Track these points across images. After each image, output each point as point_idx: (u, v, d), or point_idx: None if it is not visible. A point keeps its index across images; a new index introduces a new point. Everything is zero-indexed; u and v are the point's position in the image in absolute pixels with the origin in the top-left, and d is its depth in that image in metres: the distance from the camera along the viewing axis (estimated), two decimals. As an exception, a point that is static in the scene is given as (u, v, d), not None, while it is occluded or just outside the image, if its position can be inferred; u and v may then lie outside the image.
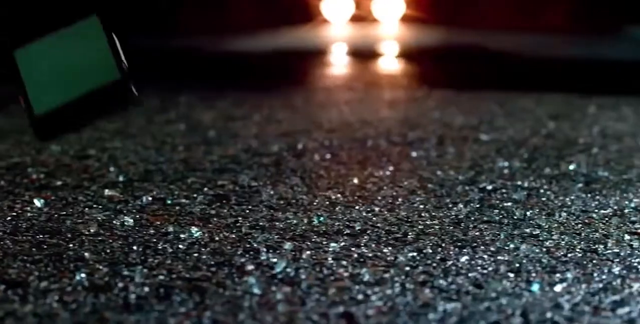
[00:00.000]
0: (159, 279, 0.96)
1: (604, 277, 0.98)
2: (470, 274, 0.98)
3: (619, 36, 4.31)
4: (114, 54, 1.23)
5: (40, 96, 1.23)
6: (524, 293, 0.93)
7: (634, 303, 0.90)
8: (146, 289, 0.93)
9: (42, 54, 1.23)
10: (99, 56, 1.23)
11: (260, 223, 1.18)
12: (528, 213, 1.23)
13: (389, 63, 3.51)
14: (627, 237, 1.13)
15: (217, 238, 1.11)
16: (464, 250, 1.07)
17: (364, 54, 3.72)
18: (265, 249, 1.07)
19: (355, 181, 1.40)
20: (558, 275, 0.98)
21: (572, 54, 3.60)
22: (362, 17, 4.91)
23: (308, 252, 1.05)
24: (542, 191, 1.36)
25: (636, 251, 1.07)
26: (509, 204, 1.28)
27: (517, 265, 1.01)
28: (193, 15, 4.61)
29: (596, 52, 3.63)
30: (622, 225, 1.18)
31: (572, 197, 1.32)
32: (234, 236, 1.12)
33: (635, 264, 1.02)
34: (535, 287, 0.94)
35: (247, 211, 1.23)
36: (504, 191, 1.35)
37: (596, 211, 1.25)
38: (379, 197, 1.31)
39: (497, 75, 2.93)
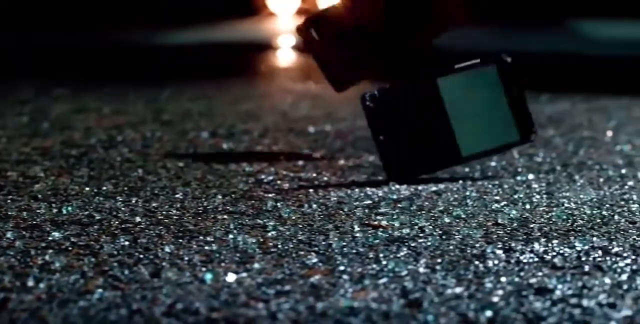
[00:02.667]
0: None
1: (290, 268, 0.99)
2: (163, 264, 1.00)
3: (561, 29, 4.31)
4: (516, 114, 1.29)
5: (466, 135, 1.28)
6: (194, 282, 0.95)
7: (296, 294, 0.91)
8: None
9: (458, 88, 1.30)
10: (497, 110, 1.29)
11: (9, 213, 1.20)
12: (279, 204, 1.24)
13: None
14: (356, 228, 1.14)
15: (-50, 228, 1.14)
16: (179, 240, 1.08)
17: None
18: (-13, 239, 1.09)
19: (140, 172, 1.42)
20: (247, 266, 1.00)
21: (501, 47, 3.60)
22: (307, 10, 4.92)
23: (24, 240, 1.08)
24: (316, 182, 1.37)
25: (352, 243, 1.08)
26: (271, 195, 1.29)
27: (217, 255, 1.03)
28: (130, 9, 4.64)
29: (528, 45, 3.63)
30: (364, 216, 1.19)
31: (342, 188, 1.33)
32: (-29, 225, 1.15)
33: (335, 255, 1.03)
34: (207, 277, 0.96)
35: (8, 202, 1.25)
36: (278, 182, 1.37)
37: (351, 202, 1.26)
38: (148, 189, 1.33)
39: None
